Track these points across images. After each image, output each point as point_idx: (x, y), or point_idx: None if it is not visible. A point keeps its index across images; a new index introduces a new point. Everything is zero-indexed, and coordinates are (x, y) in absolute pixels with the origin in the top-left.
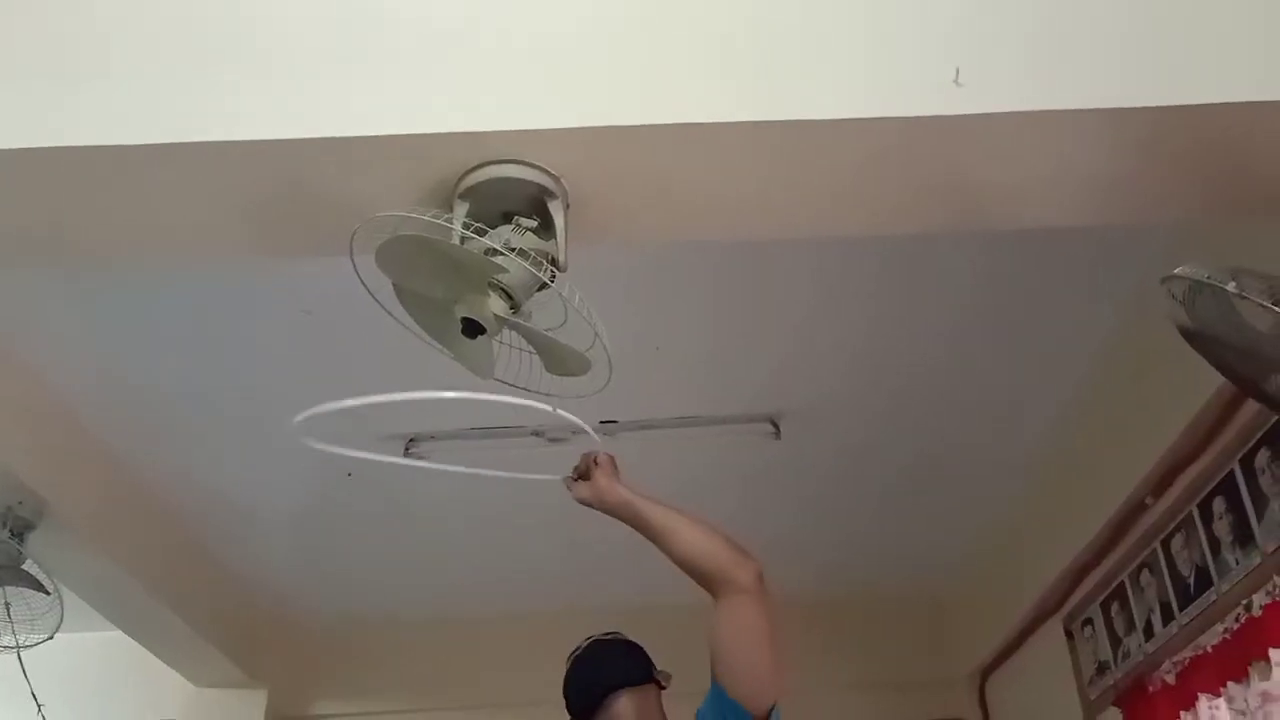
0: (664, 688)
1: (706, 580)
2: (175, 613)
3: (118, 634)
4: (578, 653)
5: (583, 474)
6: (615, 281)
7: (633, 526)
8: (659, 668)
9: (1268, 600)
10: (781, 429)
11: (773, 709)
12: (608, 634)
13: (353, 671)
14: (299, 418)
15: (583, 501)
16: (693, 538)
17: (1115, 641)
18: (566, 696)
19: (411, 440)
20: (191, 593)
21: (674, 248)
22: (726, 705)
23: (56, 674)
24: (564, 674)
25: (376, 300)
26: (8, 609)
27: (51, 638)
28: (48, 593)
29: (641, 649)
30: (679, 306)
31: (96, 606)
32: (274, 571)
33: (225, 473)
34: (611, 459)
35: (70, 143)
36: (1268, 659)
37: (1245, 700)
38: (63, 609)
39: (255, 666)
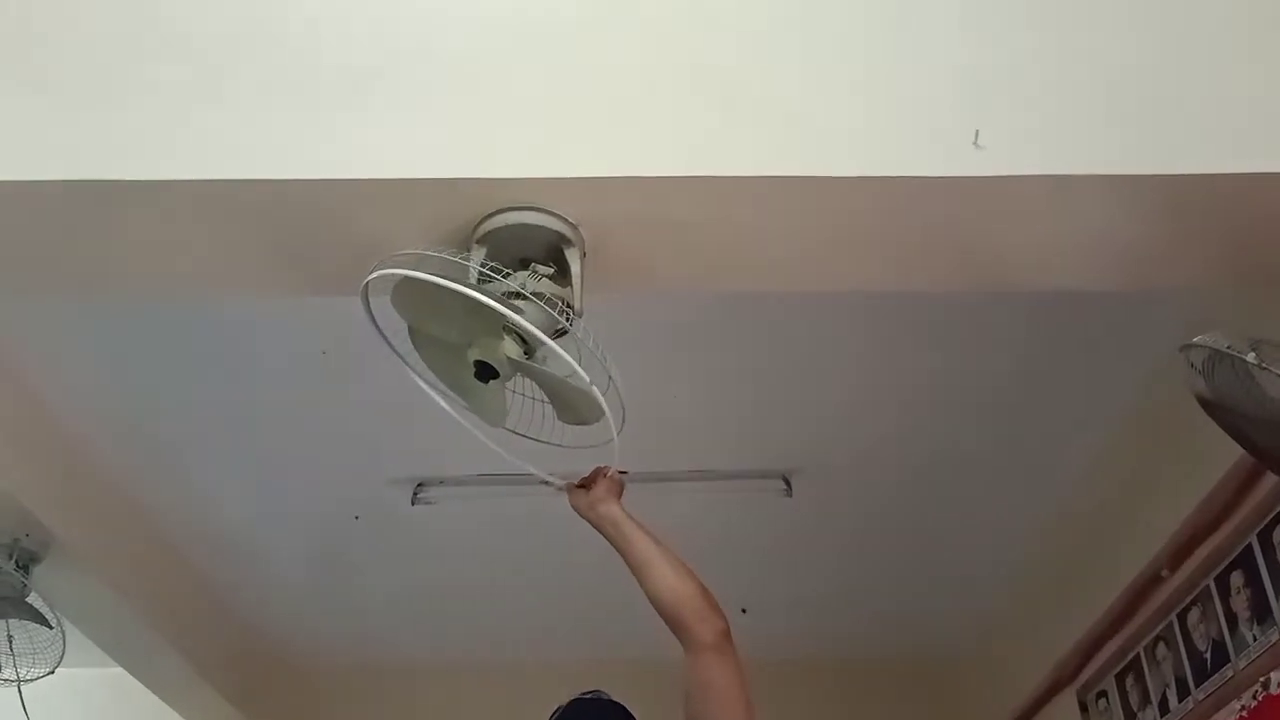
0: None
1: (672, 625)
2: (178, 652)
3: (120, 671)
4: (560, 713)
5: (585, 482)
6: (629, 332)
7: (614, 546)
8: None
9: None
10: (794, 486)
11: None
12: (589, 693)
13: (354, 718)
14: (371, 274)
15: (576, 508)
16: (667, 577)
17: (1130, 716)
18: None
19: (420, 485)
20: (195, 633)
21: (689, 300)
22: None
23: (57, 709)
24: None
25: (389, 344)
26: (10, 641)
27: (53, 672)
28: (51, 627)
29: (624, 709)
30: (694, 359)
31: (99, 642)
32: (279, 614)
33: (233, 512)
34: (620, 482)
35: (88, 176)
36: None
37: None
38: (65, 643)
39: (256, 711)
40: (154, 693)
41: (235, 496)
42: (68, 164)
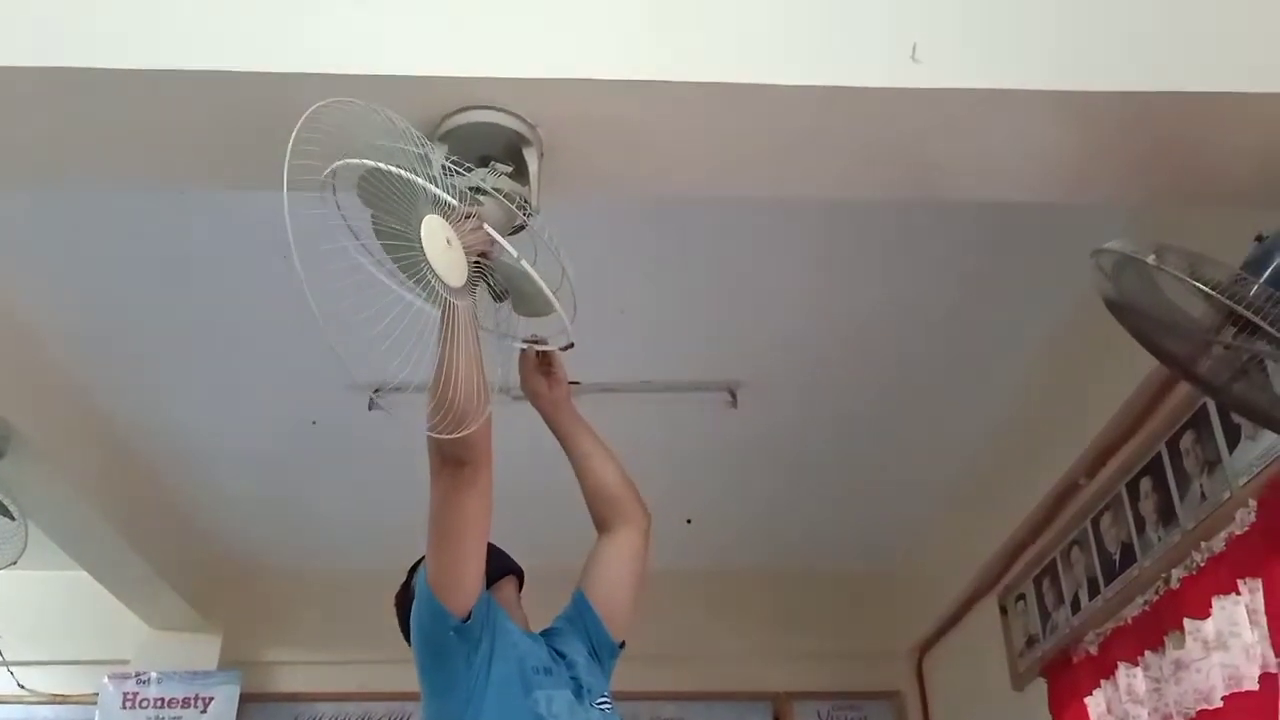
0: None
1: (612, 505)
2: (135, 551)
3: (80, 574)
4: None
5: (545, 364)
6: (581, 244)
7: (560, 435)
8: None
9: (1185, 574)
10: (739, 398)
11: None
12: None
13: (307, 620)
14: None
15: (528, 385)
16: (612, 462)
17: (1045, 615)
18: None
19: (377, 390)
20: (151, 532)
21: (642, 213)
22: (594, 626)
23: (18, 608)
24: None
25: (352, 233)
26: None
27: (15, 563)
28: (13, 518)
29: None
30: (645, 272)
31: (59, 540)
32: (234, 517)
33: (190, 416)
34: (569, 384)
35: (56, 64)
36: (1182, 629)
37: (1160, 668)
38: (27, 536)
39: (211, 610)
40: (112, 592)
41: (193, 400)
42: (36, 50)
